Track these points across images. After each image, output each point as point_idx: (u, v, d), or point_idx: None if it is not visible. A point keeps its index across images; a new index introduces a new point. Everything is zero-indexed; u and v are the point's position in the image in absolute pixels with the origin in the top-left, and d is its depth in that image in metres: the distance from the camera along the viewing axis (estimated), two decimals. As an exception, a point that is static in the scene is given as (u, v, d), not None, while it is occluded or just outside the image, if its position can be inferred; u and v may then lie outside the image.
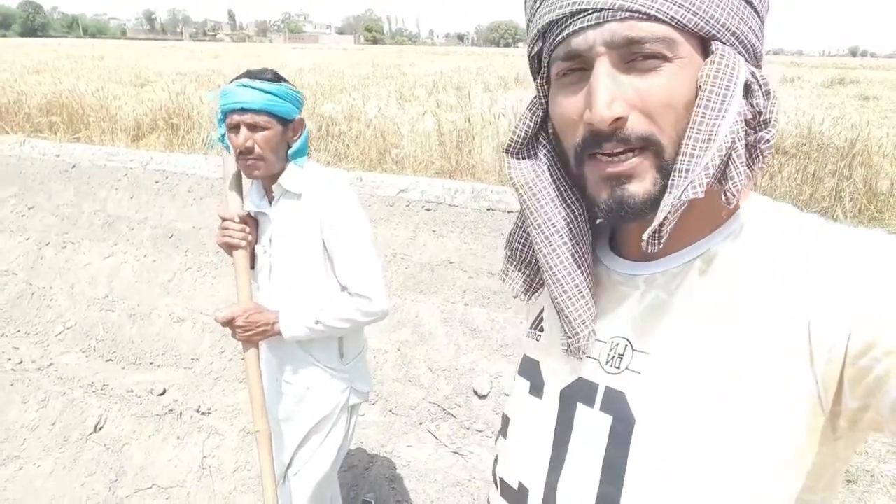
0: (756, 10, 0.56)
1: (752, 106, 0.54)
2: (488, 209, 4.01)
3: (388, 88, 11.82)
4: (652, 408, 0.58)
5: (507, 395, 3.05)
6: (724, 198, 0.54)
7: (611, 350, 0.63)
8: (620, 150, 0.54)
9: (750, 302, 0.55)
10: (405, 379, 3.25)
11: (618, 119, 0.53)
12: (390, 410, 3.09)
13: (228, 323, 1.61)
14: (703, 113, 0.52)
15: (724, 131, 0.51)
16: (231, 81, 1.61)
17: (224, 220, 1.65)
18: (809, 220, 0.58)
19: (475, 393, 3.09)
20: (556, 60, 0.58)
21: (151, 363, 3.61)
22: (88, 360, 3.67)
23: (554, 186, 0.64)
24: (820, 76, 19.39)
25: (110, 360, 3.66)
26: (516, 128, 0.65)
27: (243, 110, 1.56)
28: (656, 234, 0.54)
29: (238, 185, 1.67)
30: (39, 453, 2.95)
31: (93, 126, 7.07)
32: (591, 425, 0.62)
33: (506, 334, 3.39)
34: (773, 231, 0.58)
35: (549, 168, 0.65)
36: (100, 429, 3.06)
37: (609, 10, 0.53)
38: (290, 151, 1.67)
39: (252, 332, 1.62)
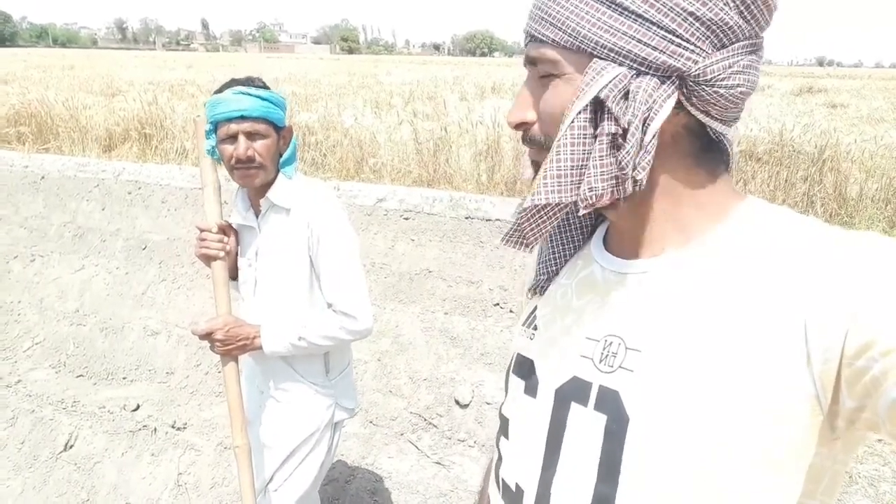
0: (650, 21, 0.56)
1: (614, 121, 0.57)
2: (467, 217, 4.00)
3: (365, 98, 11.79)
4: (646, 406, 0.58)
5: (488, 403, 3.04)
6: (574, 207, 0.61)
7: (604, 349, 0.64)
8: (528, 148, 0.66)
9: (745, 300, 0.55)
10: (385, 389, 3.21)
11: (521, 123, 0.65)
12: (371, 421, 3.05)
13: (207, 336, 1.57)
14: (558, 128, 0.60)
15: (556, 145, 0.59)
16: (220, 91, 1.58)
17: (202, 230, 1.61)
18: (805, 222, 0.58)
19: (456, 402, 3.07)
20: None
21: (124, 378, 3.52)
22: (58, 375, 3.57)
23: None
24: (789, 85, 19.85)
25: (81, 375, 3.56)
26: None
27: (242, 118, 1.53)
28: (514, 233, 0.64)
29: (217, 195, 1.63)
30: (8, 473, 2.85)
31: (62, 136, 6.93)
32: (585, 424, 0.62)
33: (486, 343, 3.38)
34: (769, 232, 0.58)
35: None
36: (70, 447, 2.97)
37: (527, 34, 0.64)
38: (280, 160, 1.64)
39: (231, 346, 1.58)
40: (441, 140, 5.81)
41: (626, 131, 0.56)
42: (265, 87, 1.60)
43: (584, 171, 0.58)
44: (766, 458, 0.52)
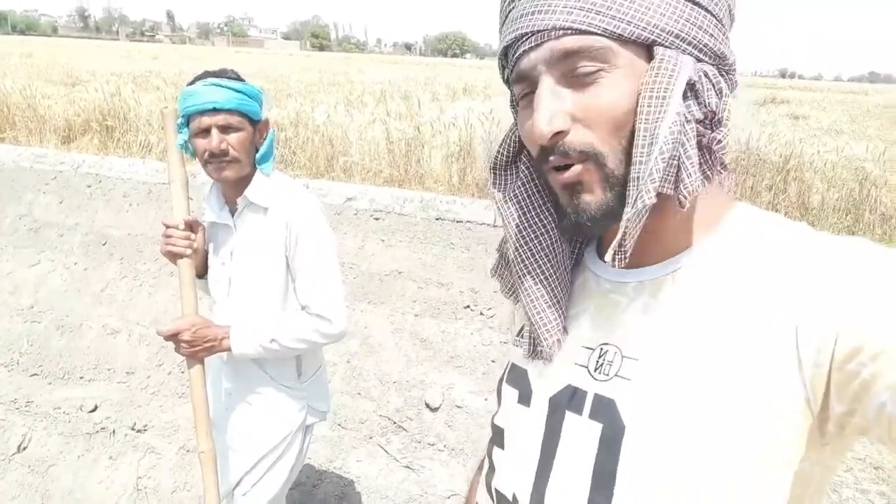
0: (707, 10, 0.56)
1: (703, 105, 0.55)
2: (437, 219, 3.97)
3: (336, 96, 11.69)
4: (642, 414, 0.57)
5: (458, 406, 3.01)
6: (677, 202, 0.54)
7: (600, 357, 0.63)
8: (564, 163, 0.57)
9: (738, 308, 0.55)
10: (354, 392, 3.17)
11: (558, 133, 0.55)
12: (339, 424, 3.00)
13: (173, 337, 1.51)
14: (645, 119, 0.53)
15: (664, 134, 0.52)
16: (192, 83, 1.52)
17: (168, 227, 1.55)
18: (796, 228, 0.58)
19: (426, 405, 3.04)
20: (513, 84, 0.61)
21: (81, 378, 3.40)
22: (11, 374, 3.42)
23: (527, 202, 0.66)
24: (753, 95, 20.36)
25: (35, 374, 3.43)
26: (500, 147, 0.68)
27: (215, 111, 1.48)
28: (620, 249, 0.56)
29: (184, 191, 1.57)
30: (-47, 478, 2.72)
31: (19, 126, 6.70)
32: (580, 433, 0.61)
33: (456, 345, 3.36)
34: (761, 238, 0.58)
35: (524, 185, 0.66)
36: (24, 449, 2.85)
37: (545, 31, 0.55)
38: (257, 156, 1.60)
39: (199, 348, 1.53)
40: (413, 140, 5.78)
41: (713, 115, 0.55)
42: (239, 78, 1.56)
43: (675, 163, 0.54)
44: (759, 465, 0.52)
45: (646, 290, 0.62)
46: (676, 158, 0.54)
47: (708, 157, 0.57)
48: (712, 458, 0.53)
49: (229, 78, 1.52)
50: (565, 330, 0.67)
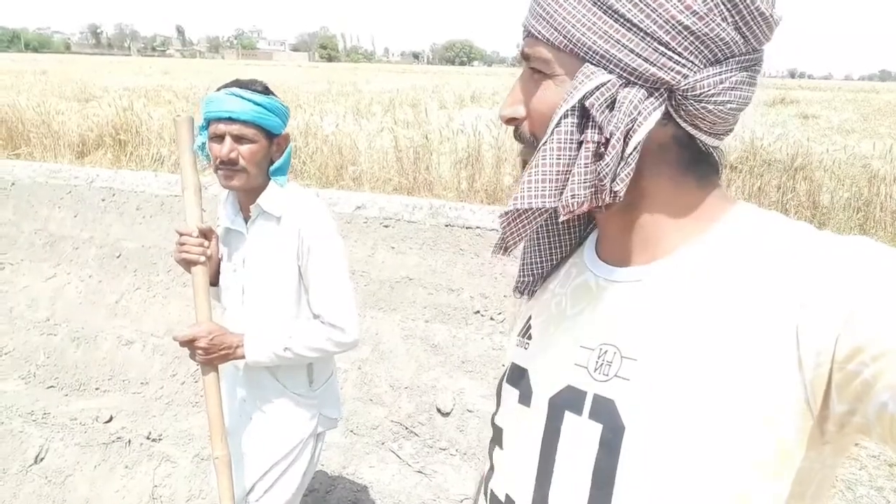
0: (647, 34, 0.55)
1: (597, 130, 0.56)
2: (447, 225, 4.00)
3: (345, 105, 11.78)
4: (641, 414, 0.57)
5: (470, 411, 3.02)
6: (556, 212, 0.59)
7: (599, 357, 0.62)
8: (522, 146, 0.65)
9: (737, 307, 0.55)
10: (366, 398, 3.18)
11: (511, 119, 0.64)
12: (352, 430, 3.01)
13: (188, 343, 1.53)
14: (547, 131, 0.58)
15: (547, 149, 0.57)
16: (218, 89, 1.55)
17: (182, 234, 1.57)
18: (796, 227, 0.58)
19: (438, 410, 3.05)
20: None
21: (97, 389, 3.44)
22: (28, 386, 3.47)
23: None
24: (762, 95, 20.25)
25: (52, 386, 3.47)
26: None
27: (231, 120, 1.51)
28: (501, 244, 0.63)
29: (197, 198, 1.59)
30: (-26, 489, 2.76)
31: (34, 142, 6.81)
32: (580, 434, 0.61)
33: (467, 350, 3.37)
34: (760, 237, 0.58)
35: None
36: (41, 460, 2.89)
37: (524, 28, 0.63)
38: (271, 168, 1.62)
39: (214, 355, 1.54)
40: (421, 148, 5.82)
41: (608, 141, 0.55)
42: (266, 91, 1.57)
43: (568, 176, 0.57)
44: (758, 464, 0.52)
45: (644, 290, 0.62)
46: (562, 173, 0.58)
47: (597, 182, 0.58)
48: (711, 457, 0.53)
49: (253, 90, 1.54)
50: (543, 274, 0.76)
